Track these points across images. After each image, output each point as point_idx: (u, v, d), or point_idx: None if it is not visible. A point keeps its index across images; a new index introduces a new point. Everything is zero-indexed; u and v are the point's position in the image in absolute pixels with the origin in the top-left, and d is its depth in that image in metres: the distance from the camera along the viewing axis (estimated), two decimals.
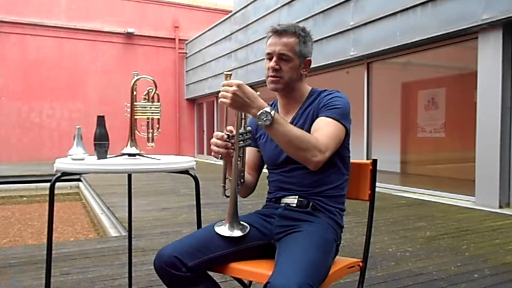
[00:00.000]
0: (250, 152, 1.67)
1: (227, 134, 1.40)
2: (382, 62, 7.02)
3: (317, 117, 1.50)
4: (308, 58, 1.57)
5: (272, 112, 1.31)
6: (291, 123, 1.53)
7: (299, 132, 1.37)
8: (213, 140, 1.41)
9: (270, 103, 1.70)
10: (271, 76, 1.54)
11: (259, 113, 1.30)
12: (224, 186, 1.46)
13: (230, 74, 1.36)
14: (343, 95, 1.55)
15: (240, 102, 1.30)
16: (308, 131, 1.47)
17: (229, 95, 1.30)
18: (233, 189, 1.40)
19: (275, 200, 1.59)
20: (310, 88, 1.62)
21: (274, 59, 1.52)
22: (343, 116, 1.47)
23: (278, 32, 1.52)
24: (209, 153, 14.19)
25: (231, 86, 1.30)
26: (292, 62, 1.51)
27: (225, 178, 1.47)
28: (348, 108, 1.51)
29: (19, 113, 12.33)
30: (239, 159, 1.42)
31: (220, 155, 1.41)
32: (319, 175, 1.48)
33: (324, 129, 1.43)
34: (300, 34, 1.52)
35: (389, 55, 6.64)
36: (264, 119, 1.30)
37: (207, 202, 5.11)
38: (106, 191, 6.30)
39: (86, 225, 5.41)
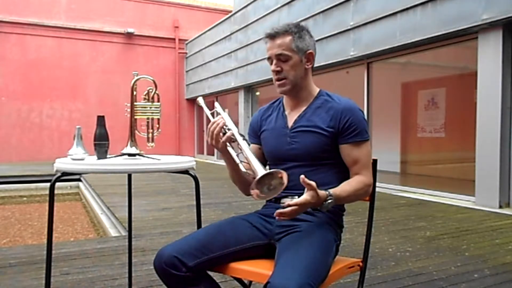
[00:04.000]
0: (253, 150, 1.67)
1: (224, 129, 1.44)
2: (382, 62, 7.02)
3: (333, 128, 1.50)
4: (309, 51, 1.56)
5: (332, 198, 1.34)
6: (298, 120, 1.57)
7: (353, 191, 1.44)
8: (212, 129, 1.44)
9: (273, 101, 1.71)
10: (276, 80, 1.56)
11: (324, 205, 1.34)
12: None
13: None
14: (354, 106, 1.54)
15: (309, 207, 1.33)
16: (317, 125, 1.51)
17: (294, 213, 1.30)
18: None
19: (275, 200, 1.59)
20: (318, 89, 1.62)
21: (274, 61, 1.54)
22: (365, 132, 1.53)
23: (271, 36, 1.53)
24: (209, 153, 14.24)
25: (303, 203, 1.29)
26: (291, 59, 1.52)
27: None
28: (364, 119, 1.55)
29: (19, 113, 12.33)
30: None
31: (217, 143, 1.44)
32: (320, 175, 1.48)
33: (361, 160, 1.50)
34: (293, 31, 1.52)
35: (389, 55, 6.64)
36: (326, 207, 1.35)
37: (207, 202, 5.11)
38: (106, 191, 6.30)
39: (86, 225, 5.41)
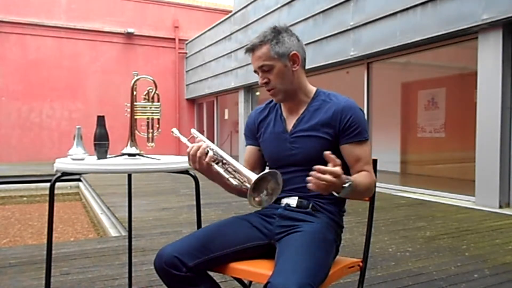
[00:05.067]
0: (251, 151, 1.67)
1: (207, 150, 1.40)
2: (382, 62, 7.02)
3: (333, 129, 1.48)
4: (292, 53, 1.50)
5: (349, 182, 1.27)
6: (296, 124, 1.55)
7: (366, 184, 1.42)
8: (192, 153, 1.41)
9: (269, 101, 1.70)
10: (267, 90, 1.55)
11: (345, 188, 1.26)
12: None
13: None
14: (353, 104, 1.51)
15: (332, 187, 1.23)
16: (317, 129, 1.50)
17: (331, 185, 1.21)
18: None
19: (275, 200, 1.59)
20: (315, 88, 1.60)
21: (260, 74, 1.52)
22: (365, 131, 1.51)
23: (250, 50, 1.51)
24: None
25: (331, 174, 1.20)
26: (274, 68, 1.49)
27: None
28: (364, 118, 1.53)
29: (19, 113, 12.33)
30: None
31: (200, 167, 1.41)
32: None
33: (364, 158, 1.48)
34: (269, 39, 1.48)
35: (389, 55, 6.64)
36: (345, 192, 1.27)
37: (207, 202, 5.11)
38: (106, 191, 6.30)
39: (86, 225, 5.41)
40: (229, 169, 1.38)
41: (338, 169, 1.20)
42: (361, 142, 1.49)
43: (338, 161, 1.22)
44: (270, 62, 1.48)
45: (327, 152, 1.23)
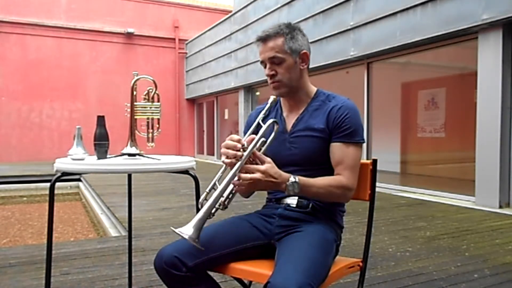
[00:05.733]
0: None
1: (243, 145, 1.32)
2: (382, 62, 7.02)
3: (327, 127, 1.48)
4: (303, 51, 1.52)
5: (297, 179, 1.34)
6: (296, 124, 1.55)
7: (325, 184, 1.40)
8: (228, 145, 1.33)
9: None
10: (271, 83, 1.54)
11: (288, 185, 1.33)
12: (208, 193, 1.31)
13: None
14: (352, 105, 1.50)
15: (270, 185, 1.32)
16: (315, 129, 1.49)
17: (262, 183, 1.29)
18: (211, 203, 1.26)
19: (275, 200, 1.59)
20: (315, 88, 1.60)
21: (268, 65, 1.51)
22: (358, 134, 1.47)
23: (263, 39, 1.50)
24: (209, 153, 14.23)
25: (254, 172, 1.28)
26: (285, 62, 1.49)
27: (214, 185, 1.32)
28: (360, 121, 1.50)
29: (19, 113, 12.33)
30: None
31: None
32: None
33: (345, 161, 1.44)
34: (284, 32, 1.49)
35: (389, 55, 6.64)
36: (292, 189, 1.33)
37: None
38: (106, 191, 6.30)
39: (86, 225, 5.41)
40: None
41: (260, 166, 1.29)
42: (349, 144, 1.46)
43: (268, 159, 1.32)
44: (282, 55, 1.48)
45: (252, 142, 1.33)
